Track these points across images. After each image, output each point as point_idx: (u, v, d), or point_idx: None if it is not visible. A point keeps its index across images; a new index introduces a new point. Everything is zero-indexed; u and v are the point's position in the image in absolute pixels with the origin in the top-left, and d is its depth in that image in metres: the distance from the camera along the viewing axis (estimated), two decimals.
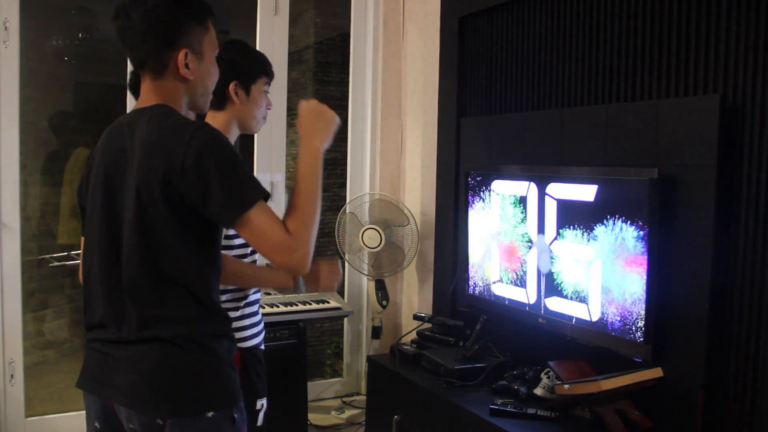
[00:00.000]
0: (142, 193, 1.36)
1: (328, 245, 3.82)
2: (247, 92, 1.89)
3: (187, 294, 1.40)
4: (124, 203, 1.40)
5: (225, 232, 1.75)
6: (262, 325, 1.95)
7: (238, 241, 1.84)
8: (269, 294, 3.15)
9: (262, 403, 1.90)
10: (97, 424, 1.47)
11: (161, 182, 1.34)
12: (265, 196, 1.37)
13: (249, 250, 1.89)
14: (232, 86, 1.84)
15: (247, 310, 1.89)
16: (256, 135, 3.37)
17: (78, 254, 3.49)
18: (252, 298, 1.92)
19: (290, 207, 1.43)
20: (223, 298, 1.81)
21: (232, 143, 1.84)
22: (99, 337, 1.46)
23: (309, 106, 1.58)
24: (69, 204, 4.11)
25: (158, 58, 1.43)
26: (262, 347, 1.93)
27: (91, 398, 1.47)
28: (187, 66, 1.44)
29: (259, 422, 1.89)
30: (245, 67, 1.86)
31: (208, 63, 1.50)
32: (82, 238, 1.57)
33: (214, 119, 1.86)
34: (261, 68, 1.92)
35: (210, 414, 1.37)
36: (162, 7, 1.42)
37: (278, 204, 3.57)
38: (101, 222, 1.44)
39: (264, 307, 2.99)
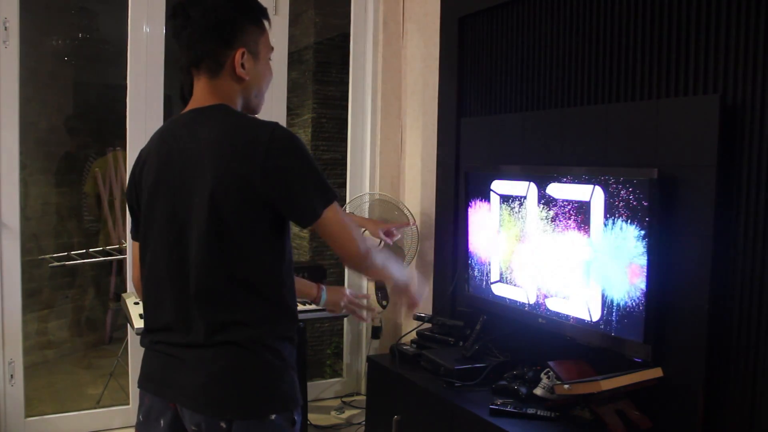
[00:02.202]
0: (216, 196, 1.35)
1: (327, 246, 3.81)
2: None
3: (259, 296, 1.41)
4: (189, 205, 1.39)
5: None
6: None
7: None
8: None
9: None
10: (162, 423, 1.47)
11: (240, 184, 1.34)
12: (336, 194, 1.43)
13: None
14: None
15: None
16: None
17: (78, 254, 3.51)
18: None
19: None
20: None
21: None
22: (164, 339, 1.45)
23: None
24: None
25: (216, 57, 1.44)
26: None
27: (155, 399, 1.47)
28: (243, 66, 1.45)
29: None
30: None
31: (263, 63, 1.52)
32: (132, 241, 1.58)
33: None
34: None
35: (273, 416, 1.39)
36: (221, 7, 1.43)
37: None
38: (164, 224, 1.43)
39: None
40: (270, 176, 1.34)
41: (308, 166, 1.39)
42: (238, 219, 1.36)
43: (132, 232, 1.59)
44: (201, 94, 1.47)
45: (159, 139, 1.49)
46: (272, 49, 1.56)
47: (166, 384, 1.44)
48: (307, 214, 1.39)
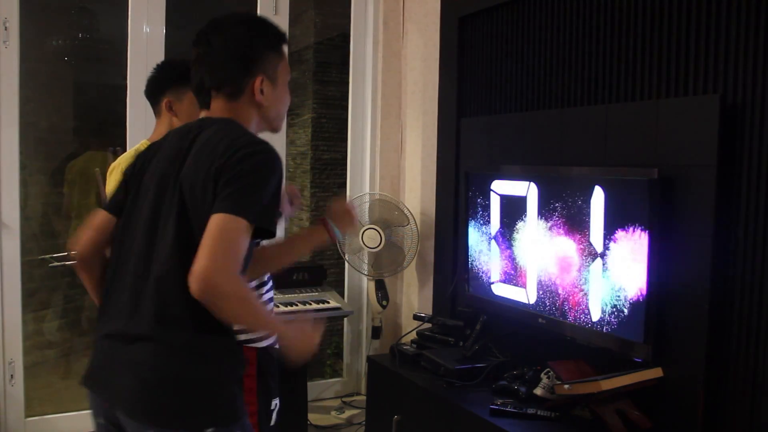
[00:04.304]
0: (184, 190, 1.38)
1: (328, 245, 3.81)
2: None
3: None
4: (166, 196, 1.43)
5: None
6: None
7: None
8: None
9: (275, 402, 1.90)
10: (101, 421, 1.46)
11: (204, 180, 1.36)
12: (266, 225, 1.34)
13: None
14: None
15: None
16: None
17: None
18: (266, 296, 1.92)
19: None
20: None
21: None
22: (109, 331, 1.43)
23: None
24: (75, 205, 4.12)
25: (235, 84, 1.49)
26: (277, 345, 1.91)
27: (94, 395, 1.47)
28: (261, 92, 1.50)
29: (272, 422, 1.89)
30: None
31: (281, 88, 1.56)
32: (98, 210, 1.55)
33: None
34: None
35: (209, 430, 1.34)
36: (241, 35, 1.49)
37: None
38: (144, 212, 1.45)
39: None
40: (223, 173, 1.34)
41: (256, 179, 1.34)
42: (196, 216, 1.36)
43: (105, 204, 1.57)
44: (217, 111, 1.51)
45: (168, 139, 1.54)
46: (290, 73, 1.60)
47: (104, 384, 1.42)
48: (213, 207, 1.32)
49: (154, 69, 2.09)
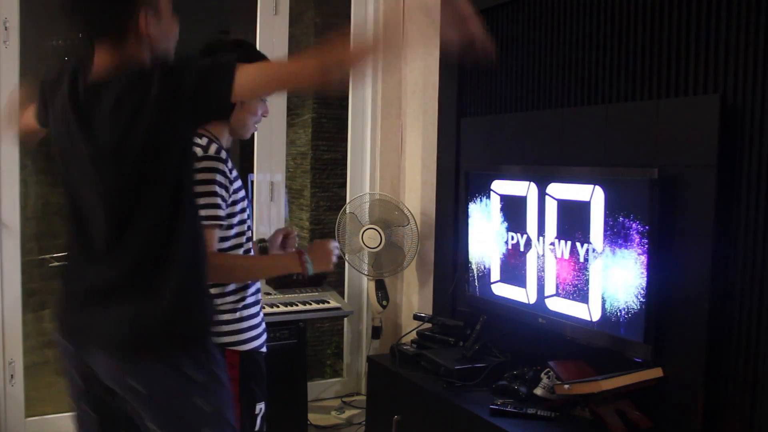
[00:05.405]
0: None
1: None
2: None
3: None
4: None
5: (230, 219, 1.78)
6: (262, 327, 1.90)
7: (234, 231, 1.81)
8: (269, 294, 3.15)
9: (260, 407, 1.85)
10: None
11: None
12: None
13: (245, 238, 1.84)
14: None
15: (245, 312, 1.83)
16: (256, 134, 3.36)
17: None
18: (251, 299, 1.86)
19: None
20: (220, 301, 1.78)
21: (225, 146, 1.83)
22: None
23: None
24: None
25: (119, 25, 1.38)
26: (263, 350, 1.88)
27: None
28: (148, 27, 1.39)
29: (257, 426, 1.86)
30: None
31: (167, 20, 1.43)
32: None
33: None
34: None
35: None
36: None
37: (277, 203, 3.57)
38: None
39: (264, 307, 2.97)
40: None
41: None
42: None
43: None
44: (101, 62, 1.42)
45: None
46: None
47: None
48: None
49: None
